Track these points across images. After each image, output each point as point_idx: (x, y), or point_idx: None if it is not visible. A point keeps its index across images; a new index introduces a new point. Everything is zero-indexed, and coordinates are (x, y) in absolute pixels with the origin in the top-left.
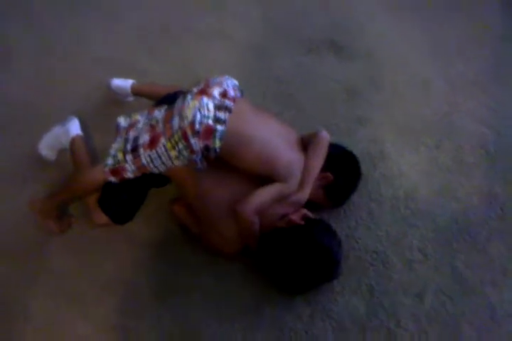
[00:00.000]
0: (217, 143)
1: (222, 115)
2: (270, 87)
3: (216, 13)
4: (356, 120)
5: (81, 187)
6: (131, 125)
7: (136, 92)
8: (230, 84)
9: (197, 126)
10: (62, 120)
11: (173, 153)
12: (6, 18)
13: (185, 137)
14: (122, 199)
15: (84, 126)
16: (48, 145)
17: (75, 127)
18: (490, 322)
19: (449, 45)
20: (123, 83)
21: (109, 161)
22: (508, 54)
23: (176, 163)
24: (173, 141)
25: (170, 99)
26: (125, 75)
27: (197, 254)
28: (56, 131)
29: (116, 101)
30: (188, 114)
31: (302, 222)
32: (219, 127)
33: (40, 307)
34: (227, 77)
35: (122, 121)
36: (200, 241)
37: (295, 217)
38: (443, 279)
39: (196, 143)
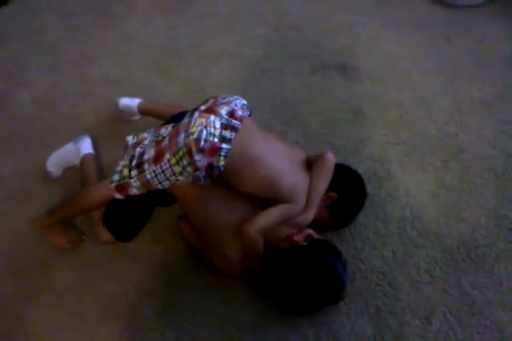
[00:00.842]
0: (222, 162)
1: (228, 134)
2: (276, 105)
3: (225, 34)
4: (361, 139)
5: (86, 204)
6: (138, 142)
7: (142, 111)
8: (239, 104)
9: (202, 143)
10: (74, 137)
11: (178, 169)
12: (18, 37)
13: (189, 153)
14: (127, 216)
15: (93, 144)
16: (57, 162)
17: (86, 145)
18: None
19: (455, 65)
20: (130, 102)
21: (115, 177)
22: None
23: (180, 178)
24: (177, 157)
25: (177, 119)
26: (134, 94)
27: (201, 274)
28: (67, 148)
29: (123, 120)
30: (194, 130)
31: (305, 243)
32: (224, 146)
33: (41, 325)
34: (236, 97)
35: (130, 139)
36: (204, 259)
37: (298, 238)
38: (451, 300)
39: (201, 160)
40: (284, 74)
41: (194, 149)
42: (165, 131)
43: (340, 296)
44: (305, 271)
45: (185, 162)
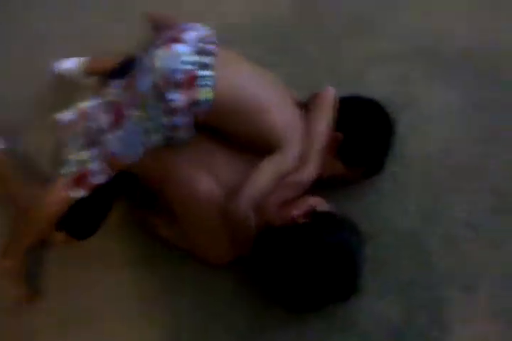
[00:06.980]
0: (207, 93)
1: (204, 59)
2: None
3: None
4: (366, 57)
5: (45, 220)
6: (81, 116)
7: (90, 71)
8: (206, 30)
9: (174, 74)
10: None
11: (149, 124)
12: None
13: (160, 96)
14: (81, 209)
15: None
16: None
17: None
18: None
19: None
20: (70, 63)
21: (68, 168)
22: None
23: (155, 137)
24: (145, 108)
25: (121, 72)
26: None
27: (178, 271)
28: None
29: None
30: (159, 65)
31: (308, 220)
32: (204, 72)
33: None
34: (199, 25)
35: (63, 116)
36: (183, 249)
37: (299, 213)
38: (502, 260)
39: (179, 99)
40: None
41: (165, 87)
42: (113, 89)
43: (354, 288)
44: (309, 255)
45: (155, 111)
